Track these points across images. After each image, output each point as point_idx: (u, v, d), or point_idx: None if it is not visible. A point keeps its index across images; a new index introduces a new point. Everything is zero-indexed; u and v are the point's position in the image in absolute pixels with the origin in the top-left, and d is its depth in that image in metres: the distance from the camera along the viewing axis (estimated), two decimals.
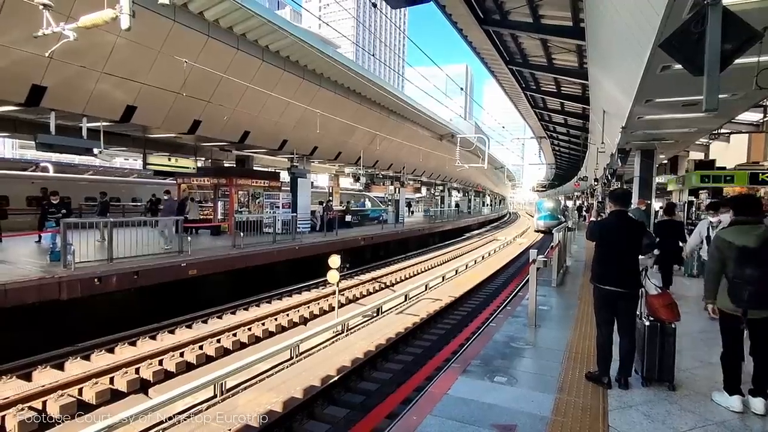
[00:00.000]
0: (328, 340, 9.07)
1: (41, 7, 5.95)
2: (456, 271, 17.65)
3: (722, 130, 14.37)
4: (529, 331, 5.76)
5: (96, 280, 8.38)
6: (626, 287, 3.91)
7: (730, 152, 16.75)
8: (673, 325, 3.94)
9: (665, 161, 17.74)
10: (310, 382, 6.96)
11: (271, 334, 9.82)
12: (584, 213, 33.33)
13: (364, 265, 17.98)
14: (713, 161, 13.45)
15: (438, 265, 20.05)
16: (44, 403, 6.16)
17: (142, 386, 7.07)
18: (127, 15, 5.48)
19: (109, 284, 8.62)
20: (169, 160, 14.70)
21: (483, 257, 22.09)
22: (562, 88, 16.66)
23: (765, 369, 3.46)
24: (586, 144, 22.07)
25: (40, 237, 11.49)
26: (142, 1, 8.19)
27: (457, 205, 43.82)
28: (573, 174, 41.07)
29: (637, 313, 4.06)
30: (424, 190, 41.53)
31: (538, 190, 62.74)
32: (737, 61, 3.02)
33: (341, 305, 11.80)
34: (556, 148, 33.90)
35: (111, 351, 8.13)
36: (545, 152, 40.12)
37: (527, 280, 6.51)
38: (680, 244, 7.61)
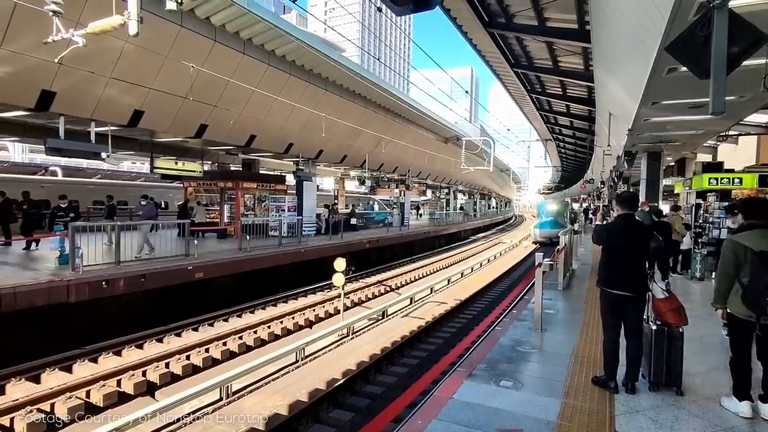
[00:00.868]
0: (333, 343, 9.07)
1: (51, 14, 6.03)
2: (461, 274, 17.61)
3: (730, 132, 14.25)
4: (535, 335, 5.73)
5: (103, 283, 8.45)
6: (633, 291, 3.88)
7: (738, 154, 16.59)
8: (680, 330, 3.90)
9: (672, 163, 17.61)
10: (316, 385, 6.97)
11: (276, 337, 9.84)
12: (591, 216, 32.76)
13: (369, 268, 17.98)
14: (721, 163, 13.28)
15: (443, 268, 20.01)
16: (52, 405, 6.22)
17: (148, 389, 7.11)
18: (135, 21, 5.54)
19: (117, 287, 8.69)
20: (176, 163, 14.80)
21: (488, 260, 22.02)
22: (567, 91, 16.61)
23: None
24: (592, 146, 21.96)
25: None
26: (150, 7, 8.28)
27: (461, 208, 42.49)
28: (579, 176, 40.85)
29: (644, 317, 4.03)
30: (429, 192, 41.47)
31: (543, 193, 57.79)
32: (744, 63, 3.00)
33: (346, 308, 11.80)
34: (562, 150, 33.77)
35: (118, 354, 8.18)
36: (551, 155, 40.00)
37: (533, 284, 6.48)
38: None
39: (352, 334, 9.68)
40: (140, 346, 8.59)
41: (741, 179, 11.43)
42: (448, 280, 15.85)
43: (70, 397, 6.33)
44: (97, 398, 6.52)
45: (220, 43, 10.96)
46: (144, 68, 10.20)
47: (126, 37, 6.99)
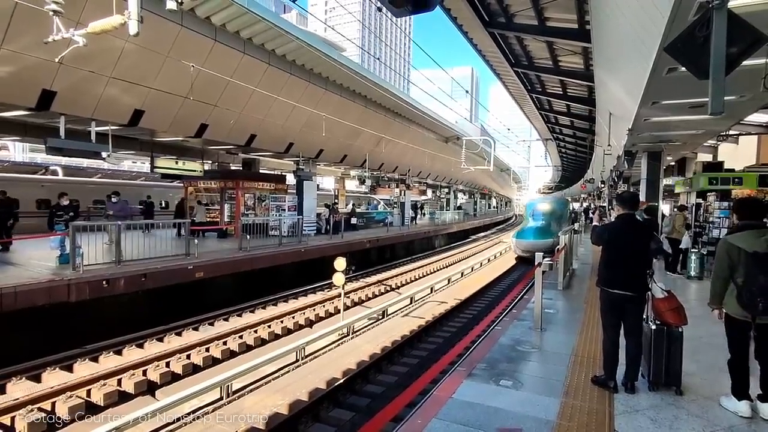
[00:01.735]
0: (333, 342, 9.08)
1: (51, 13, 6.04)
2: (462, 273, 17.62)
3: (731, 132, 14.25)
4: (535, 335, 5.74)
5: (104, 282, 8.46)
6: (634, 291, 3.89)
7: (738, 154, 16.60)
8: (680, 329, 3.91)
9: (672, 163, 17.61)
10: (316, 385, 6.98)
11: (277, 337, 9.85)
12: (591, 215, 32.60)
13: (369, 267, 17.99)
14: (721, 163, 13.31)
15: (443, 268, 20.02)
16: (53, 405, 6.23)
17: (149, 388, 7.12)
18: (136, 20, 5.55)
19: (117, 287, 8.70)
20: (177, 163, 14.82)
21: (488, 260, 22.03)
22: (568, 90, 16.61)
23: None
24: (593, 146, 21.97)
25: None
26: (150, 7, 8.29)
27: (459, 207, 42.08)
28: (579, 176, 40.84)
29: (644, 316, 4.03)
30: (429, 192, 41.48)
31: (544, 192, 55.50)
32: (744, 63, 3.01)
33: (347, 308, 11.81)
34: (563, 150, 33.75)
35: (119, 353, 8.20)
36: (551, 154, 39.98)
37: (533, 283, 6.49)
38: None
39: (353, 333, 9.69)
40: (141, 346, 8.60)
41: (741, 179, 11.45)
42: (449, 280, 15.86)
43: (70, 397, 6.34)
44: (97, 397, 6.54)
45: (220, 42, 10.97)
46: (144, 68, 10.21)
47: (126, 36, 6.99)
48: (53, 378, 7.06)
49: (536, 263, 6.18)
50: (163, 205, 22.35)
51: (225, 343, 8.84)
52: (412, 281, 16.92)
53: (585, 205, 42.82)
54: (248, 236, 12.78)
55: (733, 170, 12.34)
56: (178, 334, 9.37)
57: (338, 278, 9.95)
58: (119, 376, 7.10)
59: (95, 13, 6.74)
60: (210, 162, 19.24)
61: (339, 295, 11.38)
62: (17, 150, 36.96)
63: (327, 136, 15.76)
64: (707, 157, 16.70)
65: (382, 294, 14.55)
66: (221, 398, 6.37)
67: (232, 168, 20.44)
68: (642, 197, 12.99)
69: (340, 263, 9.88)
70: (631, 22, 5.71)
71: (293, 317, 10.82)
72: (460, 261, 22.41)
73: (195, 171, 15.26)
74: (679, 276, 10.01)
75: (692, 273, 9.68)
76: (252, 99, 12.96)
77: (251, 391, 6.78)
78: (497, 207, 64.29)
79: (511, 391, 4.03)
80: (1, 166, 22.34)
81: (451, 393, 3.91)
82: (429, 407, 3.65)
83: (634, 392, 3.89)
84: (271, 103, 13.45)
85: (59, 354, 7.75)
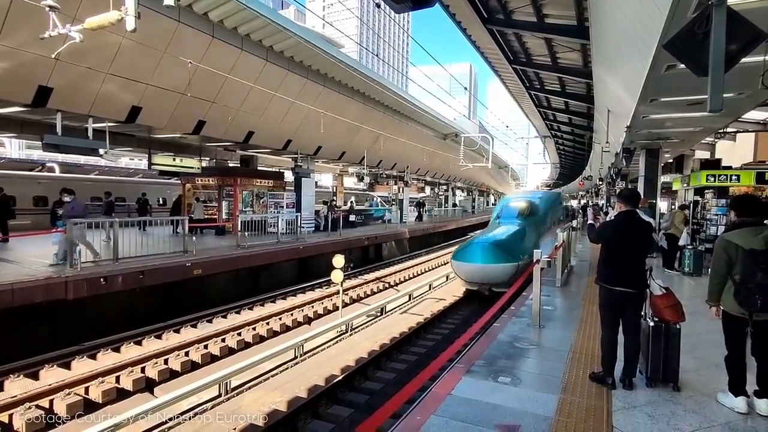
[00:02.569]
0: (332, 339, 9.09)
1: (47, 9, 6.00)
2: None
3: (728, 129, 14.27)
4: (533, 332, 5.75)
5: (102, 279, 8.44)
6: (633, 288, 3.90)
7: (736, 151, 16.64)
8: (677, 326, 3.92)
9: (670, 160, 17.64)
10: (315, 382, 6.99)
11: (275, 334, 9.86)
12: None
13: (368, 264, 17.99)
14: (719, 160, 13.33)
15: (442, 265, 20.03)
16: (51, 402, 6.22)
17: (147, 385, 7.12)
18: (133, 16, 5.52)
19: (115, 284, 8.68)
20: (174, 160, 14.76)
21: None
22: (566, 87, 16.62)
23: None
24: (591, 143, 21.99)
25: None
26: (147, 2, 8.23)
27: (454, 205, 42.32)
28: (577, 173, 40.91)
29: (642, 313, 4.05)
30: (428, 189, 41.49)
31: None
32: (743, 60, 3.00)
33: (345, 305, 11.82)
34: (561, 147, 33.78)
35: (117, 350, 8.19)
36: (549, 152, 40.01)
37: (531, 280, 6.50)
38: None
39: (351, 330, 9.70)
40: (139, 343, 8.59)
41: (738, 176, 11.48)
42: (447, 277, 15.87)
43: (68, 394, 6.33)
44: (95, 394, 6.53)
45: (218, 38, 10.92)
46: (141, 64, 10.15)
47: (123, 32, 6.95)
48: (51, 375, 7.05)
49: (534, 260, 6.18)
50: (161, 202, 22.30)
51: (223, 341, 8.84)
52: (410, 278, 16.94)
53: (583, 202, 42.87)
54: (246, 233, 12.75)
55: (730, 167, 12.38)
56: (177, 331, 9.36)
57: (336, 275, 9.96)
58: (117, 374, 7.09)
59: (92, 8, 6.70)
60: (208, 159, 19.19)
61: (337, 292, 11.38)
62: (13, 147, 36.79)
63: (325, 132, 15.72)
64: (705, 155, 16.75)
65: (381, 291, 14.56)
66: (220, 395, 6.37)
67: (230, 165, 20.39)
68: (641, 194, 13.00)
69: (338, 260, 9.88)
70: (630, 19, 5.71)
71: (291, 314, 10.82)
72: None
73: (193, 168, 15.21)
74: (676, 273, 10.04)
75: (686, 269, 9.72)
76: (250, 96, 12.92)
77: (250, 388, 6.78)
78: (496, 204, 64.30)
79: (510, 387, 4.04)
80: None
81: (450, 390, 3.92)
82: (428, 404, 3.66)
83: (632, 388, 3.90)
84: (269, 99, 13.41)
85: (57, 351, 7.73)
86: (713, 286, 3.54)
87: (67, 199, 9.59)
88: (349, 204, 27.78)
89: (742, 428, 3.31)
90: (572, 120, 21.37)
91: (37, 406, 6.05)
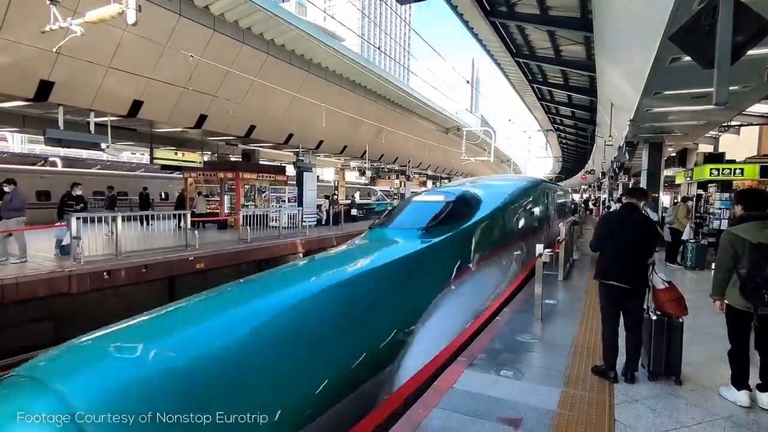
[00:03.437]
0: None
1: (48, 2, 5.98)
2: None
3: (732, 123, 14.19)
4: (535, 325, 5.76)
5: (105, 273, 8.47)
6: (628, 283, 3.87)
7: (740, 145, 16.55)
8: (680, 320, 3.92)
9: (674, 154, 17.56)
10: None
11: None
12: (591, 207, 32.43)
13: None
14: (723, 154, 13.29)
15: None
16: None
17: None
18: (133, 10, 5.50)
19: (118, 278, 8.72)
20: (176, 154, 14.75)
21: None
22: (569, 81, 16.50)
23: None
24: (594, 137, 21.89)
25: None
26: None
27: None
28: (580, 167, 40.78)
29: (644, 307, 4.04)
30: (429, 183, 41.42)
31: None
32: (748, 53, 2.97)
33: None
34: (563, 141, 33.62)
35: None
36: (552, 145, 39.86)
37: (533, 274, 6.50)
38: None
39: None
40: None
41: (742, 170, 11.43)
42: None
43: None
44: None
45: (219, 32, 10.88)
46: (143, 58, 10.13)
47: (124, 26, 6.93)
48: None
49: (537, 254, 6.17)
50: (163, 196, 22.34)
51: None
52: None
53: (585, 196, 42.78)
54: (248, 227, 12.78)
55: (734, 161, 12.33)
56: None
57: None
58: None
59: (92, 2, 6.66)
60: (210, 153, 19.20)
61: None
62: (15, 141, 36.83)
63: (327, 127, 15.68)
64: (708, 148, 16.66)
65: None
66: None
67: (232, 159, 20.38)
68: (643, 187, 12.96)
69: None
70: (634, 11, 5.65)
71: None
72: None
73: (194, 162, 15.20)
74: (678, 267, 10.02)
75: (689, 263, 9.70)
76: (251, 89, 12.88)
77: None
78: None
79: (512, 381, 4.04)
80: (0, 157, 22.29)
81: (452, 383, 3.93)
82: (430, 397, 3.68)
83: (633, 382, 3.91)
84: (271, 93, 13.37)
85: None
86: (718, 280, 3.51)
87: (6, 189, 8.88)
88: (351, 198, 27.79)
89: (744, 422, 3.31)
90: (575, 113, 21.25)
91: None
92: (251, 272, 12.76)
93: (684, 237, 10.20)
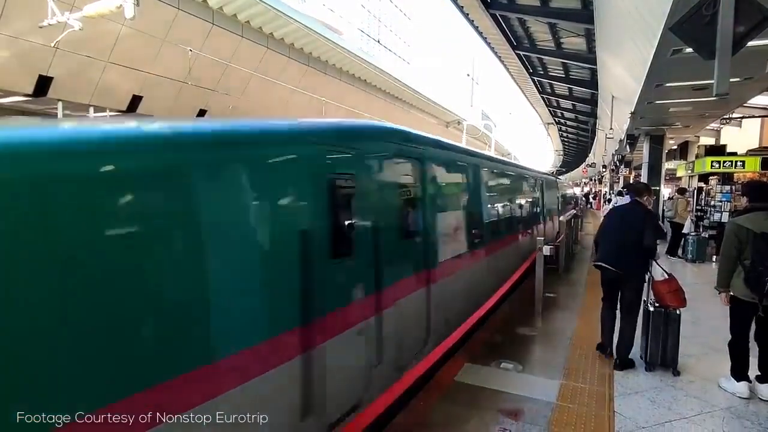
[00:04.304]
0: None
1: None
2: None
3: (734, 115, 14.13)
4: (536, 318, 5.77)
5: None
6: (616, 267, 4.03)
7: (741, 137, 16.49)
8: (678, 312, 3.93)
9: (675, 147, 17.52)
10: None
11: None
12: (591, 200, 32.23)
13: None
14: (724, 146, 13.26)
15: None
16: None
17: None
18: (132, 4, 5.47)
19: None
20: None
21: None
22: (570, 73, 16.44)
23: None
24: (595, 130, 21.84)
25: None
26: None
27: None
28: (581, 160, 40.71)
29: (644, 299, 4.07)
30: None
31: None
32: (749, 43, 2.96)
33: None
34: (564, 134, 33.56)
35: None
36: (552, 139, 39.78)
37: (533, 267, 6.51)
38: None
39: None
40: None
41: (744, 162, 11.41)
42: None
43: None
44: None
45: (217, 26, 10.83)
46: (141, 52, 10.09)
47: (122, 20, 6.90)
48: None
49: (537, 247, 6.18)
50: None
51: None
52: None
53: (586, 190, 42.71)
54: None
55: (735, 153, 12.29)
56: None
57: None
58: None
59: None
60: None
61: None
62: None
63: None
64: (710, 141, 16.61)
65: None
66: None
67: None
68: (644, 181, 12.94)
69: None
70: (635, 2, 5.61)
71: None
72: None
73: None
74: (679, 260, 10.02)
75: (689, 256, 9.68)
76: (251, 83, 12.84)
77: None
78: None
79: (512, 373, 4.06)
80: None
81: (453, 376, 3.95)
82: (431, 390, 3.69)
83: (622, 369, 3.97)
84: (270, 87, 13.33)
85: None
86: (722, 269, 3.53)
87: None
88: None
89: (744, 413, 3.33)
90: (576, 106, 21.18)
91: None
92: None
93: (685, 230, 10.19)
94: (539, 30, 12.91)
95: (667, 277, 4.03)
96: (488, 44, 14.94)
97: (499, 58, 16.80)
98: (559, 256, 8.54)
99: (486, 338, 4.97)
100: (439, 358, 3.95)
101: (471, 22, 12.76)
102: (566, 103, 21.72)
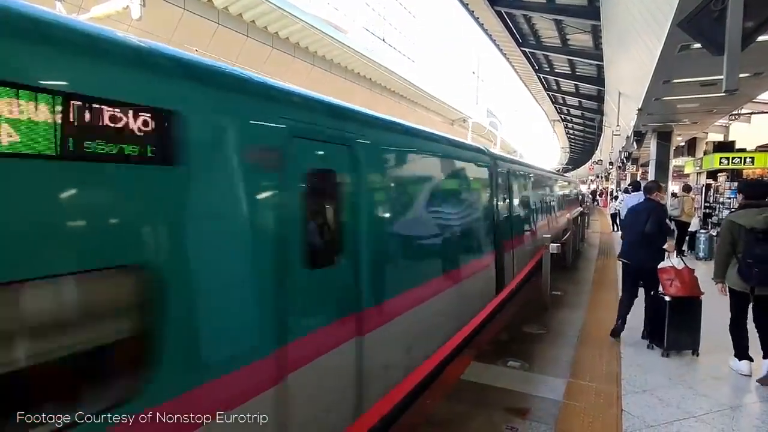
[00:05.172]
0: None
1: None
2: None
3: (743, 110, 13.98)
4: (543, 316, 5.75)
5: None
6: (629, 259, 4.64)
7: (751, 133, 16.29)
8: (699, 299, 4.19)
9: (682, 143, 17.36)
10: None
11: None
12: (597, 198, 32.01)
13: None
14: (733, 142, 13.09)
15: None
16: None
17: None
18: (138, 5, 5.51)
19: None
20: None
21: None
22: (576, 70, 16.33)
23: None
24: (601, 127, 21.68)
25: None
26: None
27: None
28: (587, 158, 40.47)
29: (659, 289, 4.39)
30: None
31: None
32: (759, 38, 2.93)
33: None
34: (570, 131, 33.36)
35: None
36: (559, 136, 39.57)
37: (540, 265, 6.49)
38: None
39: None
40: None
41: (753, 158, 11.28)
42: None
43: None
44: None
45: (223, 25, 10.87)
46: None
47: (129, 21, 6.93)
48: None
49: (544, 245, 6.16)
50: None
51: None
52: None
53: (593, 187, 42.44)
54: None
55: (744, 150, 12.15)
56: None
57: None
58: None
59: None
60: None
61: None
62: None
63: None
64: (718, 137, 16.43)
65: None
66: None
67: None
68: (651, 178, 12.83)
69: None
70: None
71: None
72: None
73: None
74: (685, 257, 9.90)
75: (700, 254, 9.54)
76: None
77: None
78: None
79: (519, 371, 4.06)
80: None
81: (459, 374, 3.95)
82: (437, 389, 3.70)
83: (651, 346, 4.42)
84: None
85: None
86: (718, 262, 3.87)
87: None
88: None
89: (752, 412, 3.31)
90: (582, 103, 21.04)
91: None
92: None
93: (692, 228, 10.08)
94: (545, 27, 12.83)
95: (668, 266, 4.33)
96: (493, 41, 14.87)
97: (505, 55, 16.72)
98: (566, 254, 8.52)
99: (493, 336, 4.96)
100: (446, 357, 3.95)
101: (476, 19, 12.70)
102: (572, 100, 21.58)
